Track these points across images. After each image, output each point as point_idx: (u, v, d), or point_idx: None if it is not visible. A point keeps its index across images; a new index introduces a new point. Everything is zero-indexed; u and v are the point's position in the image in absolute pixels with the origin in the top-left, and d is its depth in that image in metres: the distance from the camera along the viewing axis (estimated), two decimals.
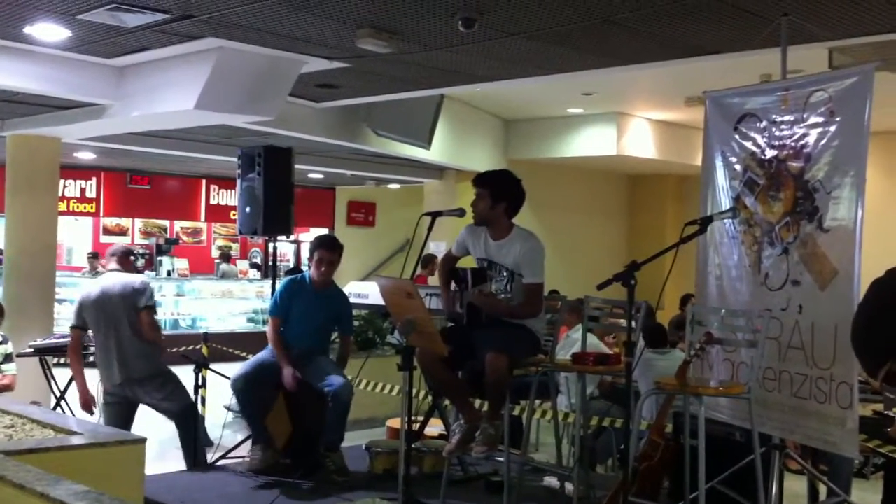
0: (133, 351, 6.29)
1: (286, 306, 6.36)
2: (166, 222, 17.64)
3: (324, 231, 18.50)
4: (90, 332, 6.46)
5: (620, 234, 17.41)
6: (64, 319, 13.03)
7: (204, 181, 17.48)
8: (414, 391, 5.16)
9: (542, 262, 5.08)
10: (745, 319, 5.07)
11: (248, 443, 6.60)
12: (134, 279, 6.47)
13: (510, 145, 14.64)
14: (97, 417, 6.37)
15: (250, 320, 15.58)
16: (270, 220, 7.33)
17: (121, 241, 16.99)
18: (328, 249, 6.30)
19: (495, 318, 5.03)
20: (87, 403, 6.36)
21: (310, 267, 6.42)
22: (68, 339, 7.42)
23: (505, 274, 5.08)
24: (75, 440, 3.99)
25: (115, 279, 6.44)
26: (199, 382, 7.23)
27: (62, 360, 8.25)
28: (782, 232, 5.14)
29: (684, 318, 5.84)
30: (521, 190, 5.19)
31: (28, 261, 9.33)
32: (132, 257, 6.74)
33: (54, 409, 7.36)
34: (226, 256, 17.25)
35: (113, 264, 6.50)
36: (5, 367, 6.77)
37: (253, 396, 6.20)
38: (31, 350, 7.53)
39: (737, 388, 4.88)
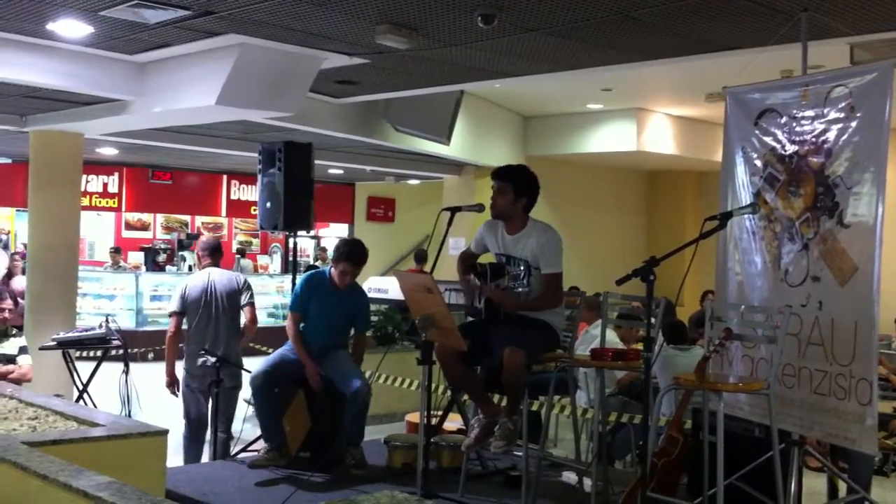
0: (229, 340, 6.96)
1: (306, 302, 6.38)
2: (187, 217, 17.77)
3: (344, 227, 18.58)
4: (185, 319, 6.99)
5: (640, 231, 17.37)
6: (86, 313, 13.19)
7: (225, 177, 17.57)
8: (433, 386, 5.16)
9: (559, 253, 5.06)
10: (764, 315, 5.05)
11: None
12: (238, 277, 7.22)
13: (529, 141, 14.63)
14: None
15: (270, 315, 15.65)
16: (291, 216, 7.35)
17: (143, 235, 17.22)
18: (354, 265, 6.26)
19: (513, 314, 5.03)
20: (172, 384, 6.93)
21: (331, 266, 6.41)
22: (94, 332, 7.53)
23: (522, 268, 5.08)
24: (97, 432, 4.03)
25: (218, 274, 7.07)
26: (219, 377, 7.28)
27: (84, 353, 8.33)
28: (802, 228, 5.12)
29: (704, 315, 5.83)
30: (538, 185, 5.19)
31: (51, 255, 9.41)
32: (220, 250, 7.39)
33: (77, 401, 7.43)
34: (241, 252, 17.35)
35: (209, 260, 7.11)
36: (20, 358, 6.85)
37: (271, 395, 6.22)
38: (55, 343, 7.60)
39: (756, 384, 4.86)
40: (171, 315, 7.00)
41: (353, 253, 6.29)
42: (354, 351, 6.52)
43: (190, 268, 15.65)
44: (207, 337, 6.87)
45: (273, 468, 6.15)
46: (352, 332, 6.70)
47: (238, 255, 17.21)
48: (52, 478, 2.98)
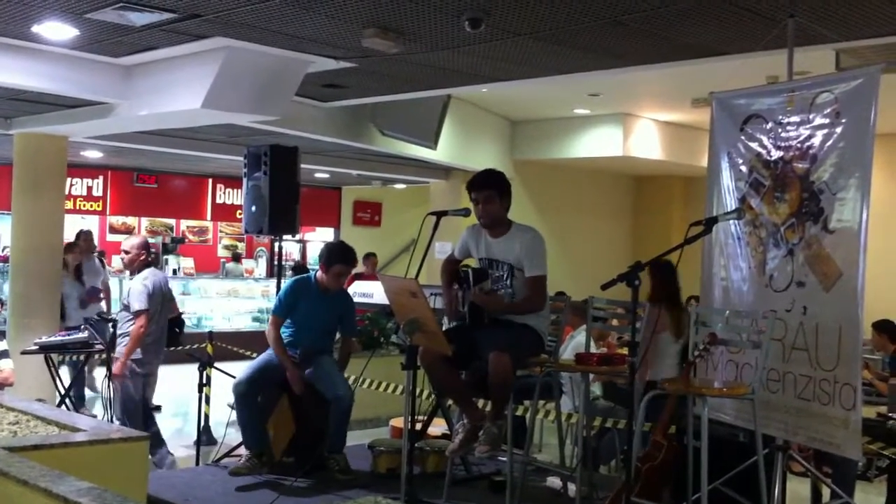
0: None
1: (291, 307, 6.36)
2: (172, 221, 17.68)
3: (329, 231, 18.54)
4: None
5: (626, 236, 17.40)
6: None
7: (210, 180, 17.51)
8: (417, 390, 5.15)
9: (543, 254, 5.06)
10: (749, 320, 5.06)
11: None
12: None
13: (516, 146, 14.64)
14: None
15: (255, 319, 15.60)
16: (276, 220, 7.33)
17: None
18: (347, 265, 6.33)
19: (498, 318, 5.02)
20: (122, 376, 6.88)
21: (321, 271, 6.39)
22: (77, 336, 7.49)
23: (505, 270, 5.08)
24: (79, 437, 3.99)
25: (161, 273, 7.44)
26: (204, 381, 7.25)
27: (66, 358, 8.28)
28: (787, 233, 5.13)
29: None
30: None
31: (34, 259, 9.35)
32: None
33: (59, 406, 7.38)
34: (236, 257, 17.33)
35: (151, 259, 7.20)
36: (2, 362, 6.81)
37: (254, 402, 6.19)
38: (37, 348, 7.55)
39: (741, 388, 4.88)
40: (142, 313, 6.85)
41: (345, 254, 6.35)
42: (340, 354, 6.51)
43: (174, 271, 15.59)
44: (164, 331, 7.13)
45: (257, 474, 6.12)
46: (338, 336, 6.69)
47: (230, 261, 17.16)
48: (32, 483, 2.94)
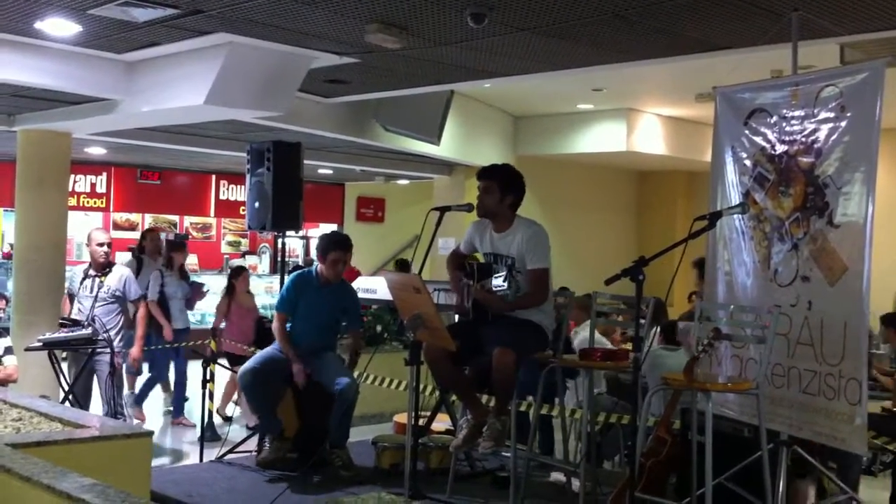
0: None
1: (294, 302, 6.36)
2: (176, 217, 17.68)
3: (333, 227, 18.55)
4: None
5: (630, 231, 17.37)
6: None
7: (213, 177, 17.50)
8: (421, 386, 5.15)
9: (546, 248, 5.05)
10: (753, 315, 5.05)
11: (255, 438, 6.61)
12: None
13: (519, 141, 14.62)
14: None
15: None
16: (279, 216, 7.32)
17: (131, 236, 17.14)
18: (343, 250, 6.33)
19: (502, 314, 5.01)
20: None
21: (319, 262, 6.41)
22: (80, 333, 7.51)
23: (508, 266, 5.06)
24: (82, 433, 4.00)
25: None
26: (208, 377, 7.25)
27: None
28: (792, 227, 5.12)
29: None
30: (524, 183, 5.20)
31: (38, 255, 9.35)
32: None
33: (62, 402, 7.37)
34: (244, 255, 17.37)
35: None
36: (6, 359, 6.81)
37: (262, 389, 6.22)
38: (40, 344, 7.54)
39: (745, 384, 4.86)
40: (143, 299, 7.70)
41: (339, 241, 6.36)
42: (350, 351, 6.50)
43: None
44: None
45: (261, 470, 6.13)
46: (345, 333, 6.68)
47: (238, 256, 17.19)
48: (35, 479, 2.94)
